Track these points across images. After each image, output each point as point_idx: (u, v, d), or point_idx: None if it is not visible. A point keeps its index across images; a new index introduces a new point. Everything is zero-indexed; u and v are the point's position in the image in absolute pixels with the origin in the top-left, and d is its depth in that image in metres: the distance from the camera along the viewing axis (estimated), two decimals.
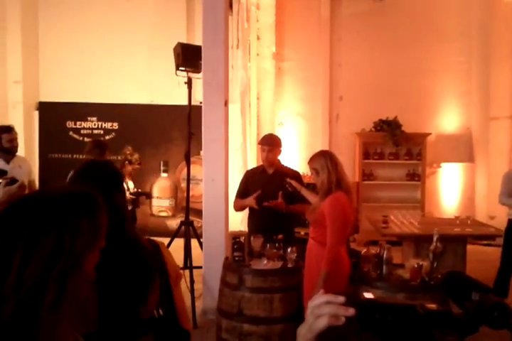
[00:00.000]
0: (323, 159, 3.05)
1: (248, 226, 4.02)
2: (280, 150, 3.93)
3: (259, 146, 4.03)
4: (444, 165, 8.05)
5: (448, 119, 8.08)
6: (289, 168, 4.04)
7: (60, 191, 1.06)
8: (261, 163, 4.13)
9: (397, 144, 7.53)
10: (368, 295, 0.74)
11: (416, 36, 7.85)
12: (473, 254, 5.73)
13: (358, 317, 0.70)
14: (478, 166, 7.95)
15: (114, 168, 1.65)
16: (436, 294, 2.92)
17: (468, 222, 5.58)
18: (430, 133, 7.69)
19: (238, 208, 4.09)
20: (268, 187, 3.76)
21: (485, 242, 7.29)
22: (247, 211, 4.15)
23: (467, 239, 5.34)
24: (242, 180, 4.15)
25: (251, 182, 3.97)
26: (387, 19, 7.87)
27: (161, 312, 1.51)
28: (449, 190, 8.07)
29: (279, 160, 3.98)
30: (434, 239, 3.02)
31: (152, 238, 1.64)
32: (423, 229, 5.21)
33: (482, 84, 7.75)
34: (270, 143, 3.88)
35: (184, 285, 4.42)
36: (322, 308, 0.73)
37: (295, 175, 3.80)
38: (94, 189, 1.10)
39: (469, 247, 5.33)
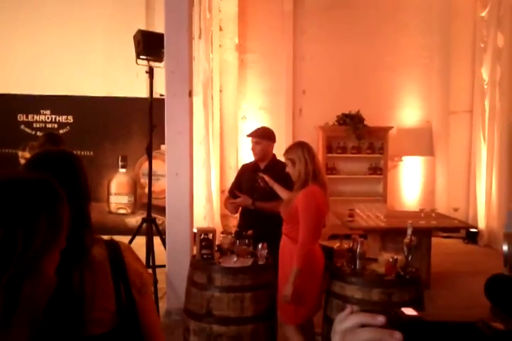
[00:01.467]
0: (301, 150, 2.96)
1: (239, 224, 3.84)
2: (271, 144, 3.79)
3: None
4: (405, 158, 8.11)
5: (409, 113, 8.14)
6: (283, 162, 3.88)
7: (10, 176, 0.86)
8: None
9: (359, 138, 7.52)
10: (409, 311, 0.56)
11: (379, 31, 7.85)
12: (437, 247, 5.78)
13: None
14: (438, 160, 8.05)
15: (73, 158, 1.37)
16: (411, 289, 2.87)
17: (433, 214, 5.63)
18: (392, 127, 7.72)
19: (232, 209, 3.80)
20: (259, 182, 3.63)
21: (445, 234, 7.40)
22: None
23: (432, 231, 5.38)
24: (236, 174, 4.03)
25: (243, 177, 3.86)
26: (351, 13, 7.83)
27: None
28: (411, 184, 8.15)
29: (274, 154, 3.85)
30: (409, 232, 2.96)
31: (116, 239, 1.36)
32: (389, 222, 5.21)
33: (442, 78, 7.84)
34: (256, 135, 3.76)
35: None
36: (359, 334, 0.55)
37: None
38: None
39: (432, 239, 5.36)
